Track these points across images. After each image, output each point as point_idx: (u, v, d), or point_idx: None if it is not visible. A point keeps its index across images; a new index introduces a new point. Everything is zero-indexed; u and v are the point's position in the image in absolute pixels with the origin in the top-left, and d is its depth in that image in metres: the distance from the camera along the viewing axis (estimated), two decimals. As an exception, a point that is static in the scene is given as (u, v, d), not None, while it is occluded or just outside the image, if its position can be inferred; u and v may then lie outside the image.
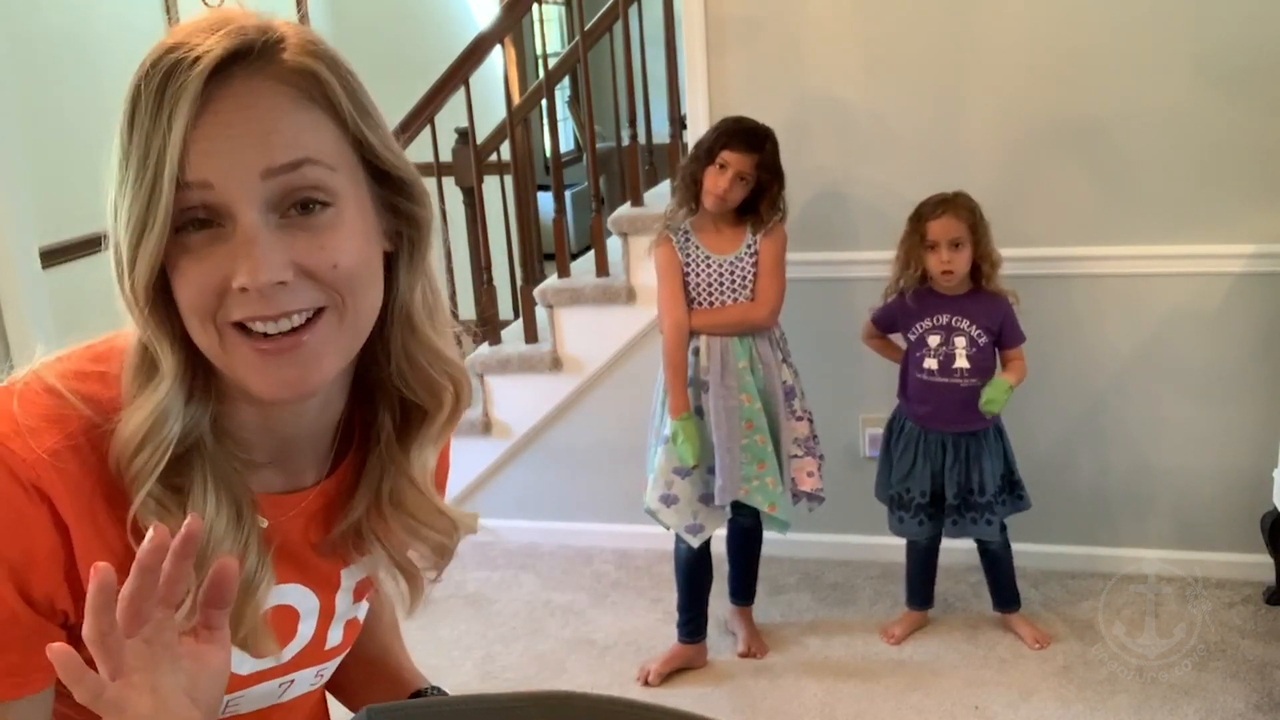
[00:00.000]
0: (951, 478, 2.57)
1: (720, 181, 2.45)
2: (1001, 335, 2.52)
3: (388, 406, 0.86)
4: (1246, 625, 2.71)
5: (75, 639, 0.77)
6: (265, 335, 0.73)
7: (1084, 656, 2.63)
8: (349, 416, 0.88)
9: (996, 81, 2.77)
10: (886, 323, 2.65)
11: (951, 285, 2.52)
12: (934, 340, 2.54)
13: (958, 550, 2.81)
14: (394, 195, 0.79)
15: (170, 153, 0.69)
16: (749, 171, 2.44)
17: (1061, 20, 2.70)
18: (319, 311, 0.74)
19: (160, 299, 0.73)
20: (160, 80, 0.69)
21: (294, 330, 0.73)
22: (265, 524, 0.82)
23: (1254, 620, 2.73)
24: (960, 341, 2.50)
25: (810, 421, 2.64)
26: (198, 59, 0.69)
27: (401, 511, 0.87)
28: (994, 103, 2.78)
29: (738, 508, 2.63)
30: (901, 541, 2.72)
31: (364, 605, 0.95)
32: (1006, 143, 2.79)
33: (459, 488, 3.37)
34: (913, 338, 2.57)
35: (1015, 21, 2.72)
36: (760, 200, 2.49)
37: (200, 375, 0.77)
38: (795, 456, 2.61)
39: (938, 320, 2.53)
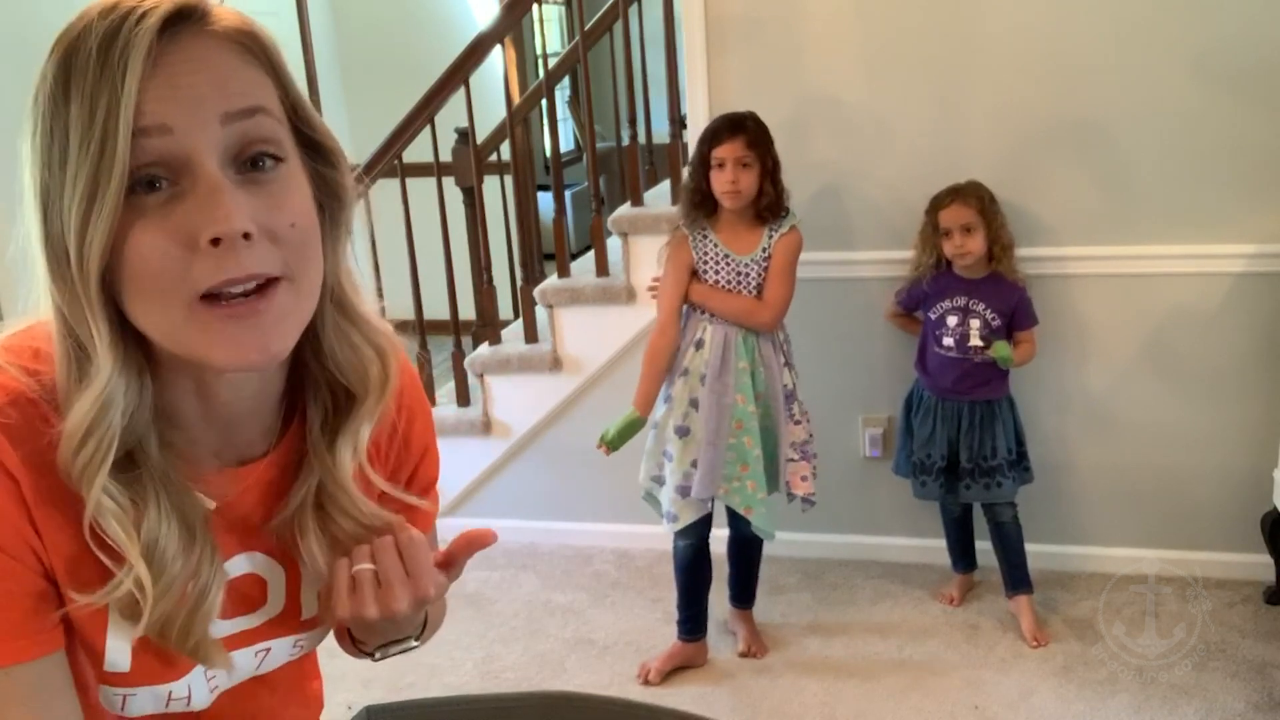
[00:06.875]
0: (966, 443, 2.69)
1: (725, 177, 2.44)
2: (1013, 318, 2.67)
3: (318, 397, 0.86)
4: (1246, 625, 2.71)
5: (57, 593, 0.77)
6: (230, 298, 0.71)
7: (1084, 656, 2.63)
8: (288, 396, 0.87)
9: (997, 81, 2.77)
10: (912, 303, 2.79)
11: (968, 267, 2.66)
12: (952, 320, 2.68)
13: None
14: (320, 164, 0.80)
15: (125, 101, 0.67)
16: (745, 153, 2.44)
17: (1062, 20, 2.70)
18: (275, 281, 0.73)
19: (99, 283, 0.71)
20: (103, 39, 0.68)
21: (256, 292, 0.72)
22: (213, 505, 0.81)
23: (1254, 620, 2.73)
24: (975, 323, 2.66)
25: (807, 424, 2.63)
26: (144, 15, 0.68)
27: (332, 513, 0.86)
28: (994, 102, 2.78)
29: (736, 514, 2.62)
30: (902, 541, 2.73)
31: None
32: (1007, 142, 2.79)
33: (459, 488, 3.38)
34: (933, 317, 2.71)
35: (1015, 21, 2.72)
36: (767, 185, 2.47)
37: (135, 362, 0.75)
38: (791, 460, 2.60)
39: (955, 302, 2.68)
